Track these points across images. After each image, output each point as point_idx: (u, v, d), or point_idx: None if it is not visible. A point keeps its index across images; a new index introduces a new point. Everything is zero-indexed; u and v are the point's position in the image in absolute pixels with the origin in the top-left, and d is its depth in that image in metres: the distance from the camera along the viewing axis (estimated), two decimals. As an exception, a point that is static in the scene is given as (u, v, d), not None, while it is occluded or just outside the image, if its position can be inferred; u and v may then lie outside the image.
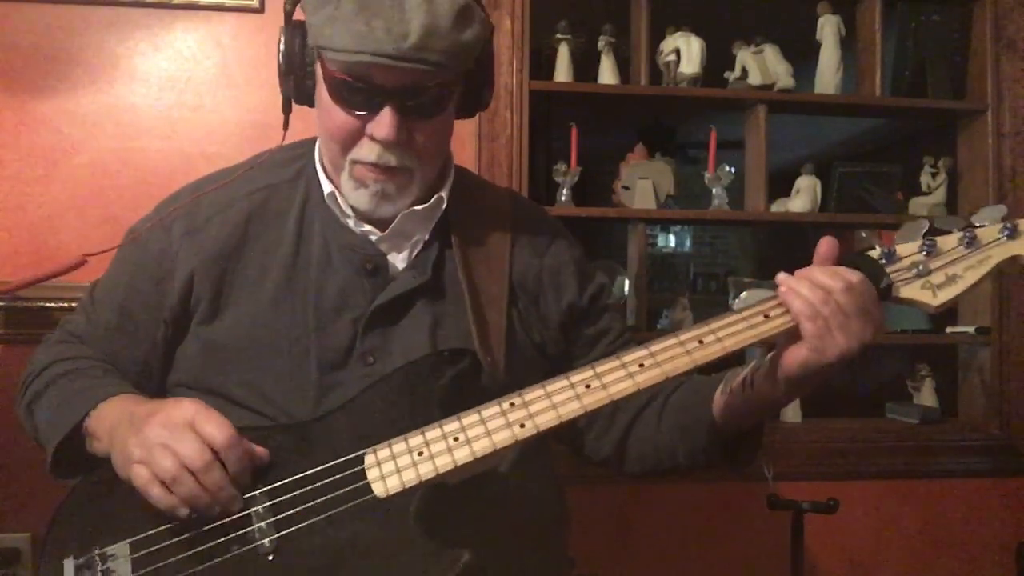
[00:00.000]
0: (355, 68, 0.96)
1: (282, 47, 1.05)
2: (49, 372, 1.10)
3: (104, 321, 1.13)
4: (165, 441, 0.89)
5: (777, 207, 2.28)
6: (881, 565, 2.17)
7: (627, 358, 0.95)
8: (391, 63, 0.94)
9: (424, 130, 1.02)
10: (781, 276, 0.95)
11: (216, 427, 0.90)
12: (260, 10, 1.93)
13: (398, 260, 1.10)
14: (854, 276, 0.93)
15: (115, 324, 1.12)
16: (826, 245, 0.97)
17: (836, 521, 1.84)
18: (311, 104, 1.08)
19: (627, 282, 2.28)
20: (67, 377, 1.07)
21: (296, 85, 1.06)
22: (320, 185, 1.11)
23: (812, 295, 0.91)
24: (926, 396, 2.29)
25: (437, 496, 0.93)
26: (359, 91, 0.98)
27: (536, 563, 1.10)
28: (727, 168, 2.24)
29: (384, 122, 0.98)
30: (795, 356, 0.93)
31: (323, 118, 1.04)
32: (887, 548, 2.17)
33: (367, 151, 1.01)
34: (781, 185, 2.36)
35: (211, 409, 0.93)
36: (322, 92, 1.03)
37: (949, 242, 0.99)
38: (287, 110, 1.11)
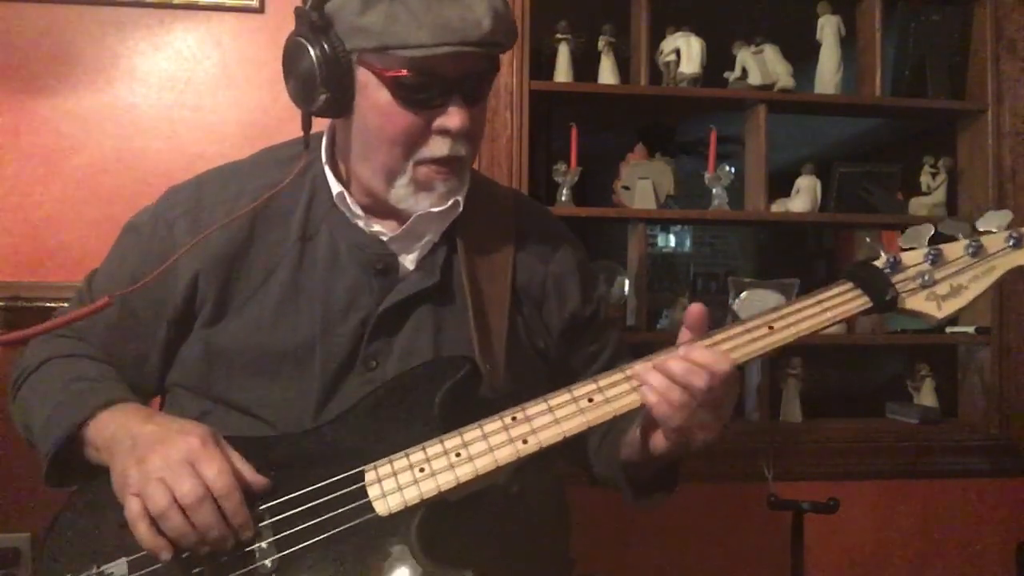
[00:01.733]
0: (427, 63, 0.95)
1: (316, 55, 0.98)
2: (45, 370, 1.07)
3: (104, 317, 1.09)
4: (163, 475, 0.87)
5: (777, 207, 2.28)
6: (881, 565, 2.17)
7: (631, 371, 0.94)
8: (473, 50, 0.94)
9: (476, 116, 1.03)
10: (638, 368, 0.93)
11: (216, 473, 0.88)
12: (260, 10, 1.93)
13: (407, 260, 1.09)
14: (720, 366, 0.89)
15: (116, 321, 1.09)
16: (694, 314, 0.94)
17: (836, 521, 1.84)
18: (339, 116, 1.04)
19: (627, 282, 2.27)
20: (65, 378, 1.05)
21: (333, 97, 1.00)
22: (327, 185, 1.09)
23: (670, 393, 0.90)
24: (926, 396, 2.29)
25: (439, 513, 0.92)
26: (426, 87, 0.97)
27: (537, 566, 1.09)
28: (727, 168, 2.24)
29: (457, 112, 0.99)
30: (658, 441, 0.95)
31: (378, 124, 1.00)
32: (887, 548, 2.17)
33: (438, 147, 1.00)
34: (781, 185, 2.35)
35: (213, 447, 0.90)
36: (374, 97, 0.99)
37: (954, 251, 0.98)
38: (308, 127, 1.06)
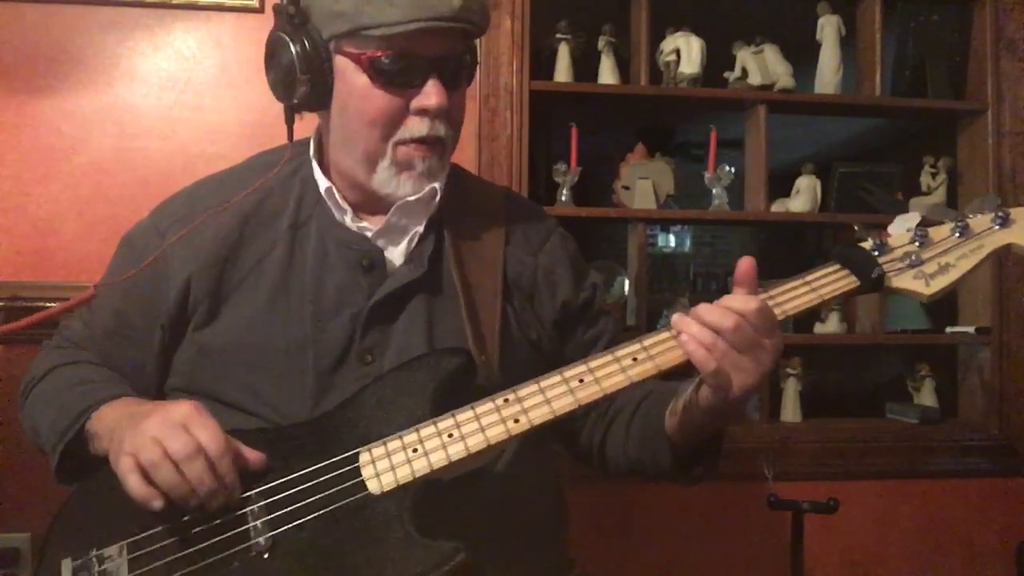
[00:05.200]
0: (402, 40, 0.97)
1: (296, 48, 1.00)
2: (50, 378, 1.10)
3: (101, 326, 1.13)
4: (156, 434, 0.89)
5: (777, 207, 2.28)
6: (881, 565, 2.17)
7: (620, 352, 0.95)
8: (446, 25, 0.96)
9: (455, 99, 1.05)
10: (675, 318, 0.94)
11: (209, 436, 0.90)
12: (260, 10, 1.93)
13: (395, 255, 1.10)
14: (749, 305, 0.91)
15: (112, 329, 1.12)
16: (743, 266, 0.95)
17: (836, 521, 1.84)
18: (319, 107, 1.07)
19: (627, 282, 2.28)
20: (68, 382, 1.07)
21: (313, 87, 1.02)
22: (315, 183, 1.11)
23: (702, 336, 0.91)
24: (926, 396, 2.29)
25: (432, 493, 0.93)
26: (403, 67, 0.99)
27: (536, 563, 1.10)
28: (727, 168, 2.24)
29: (434, 91, 1.01)
30: (704, 392, 0.94)
31: (357, 108, 1.03)
32: (887, 548, 2.17)
33: (416, 127, 1.02)
34: (781, 185, 2.35)
35: (207, 414, 0.93)
36: (352, 81, 1.02)
37: (941, 232, 0.99)
38: (291, 120, 1.08)
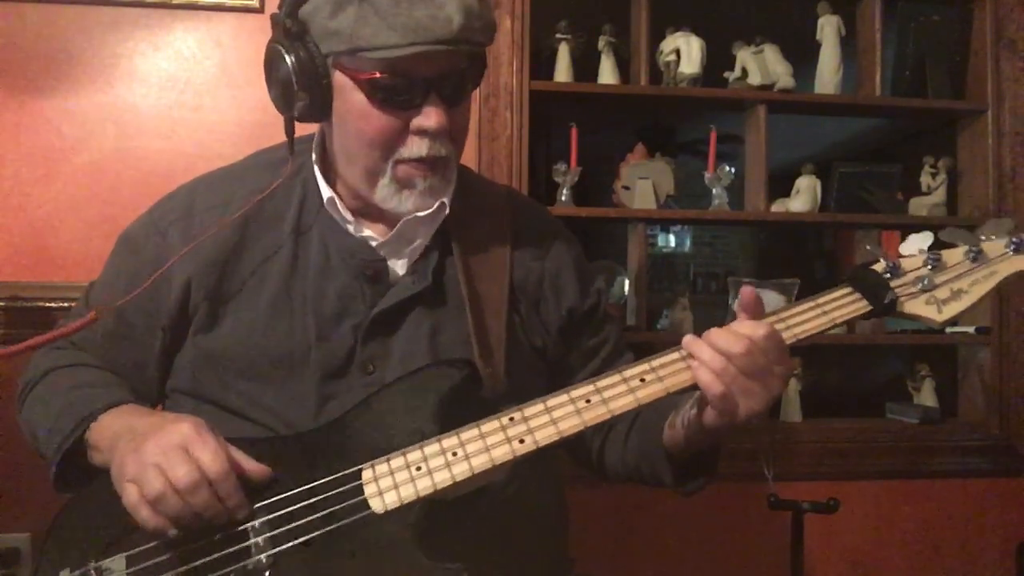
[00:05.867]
0: (399, 63, 0.94)
1: (292, 61, 0.97)
2: (48, 381, 1.08)
3: (102, 327, 1.10)
4: (158, 461, 0.87)
5: (777, 207, 2.28)
6: (881, 565, 2.17)
7: (628, 373, 0.95)
8: (445, 49, 0.93)
9: (456, 115, 1.02)
10: (686, 340, 0.94)
11: (211, 457, 0.88)
12: (260, 10, 1.93)
13: (398, 265, 1.08)
14: (758, 331, 0.91)
15: (112, 330, 1.10)
16: (746, 296, 0.95)
17: (836, 521, 1.84)
18: (320, 119, 1.05)
19: (627, 282, 2.27)
20: (66, 387, 1.06)
21: (311, 101, 1.00)
22: (318, 188, 1.09)
23: (713, 363, 0.90)
24: (926, 396, 2.29)
25: (435, 511, 0.92)
26: (401, 87, 0.97)
27: (536, 564, 1.10)
28: (727, 168, 2.24)
29: (433, 111, 0.98)
30: (708, 413, 0.93)
31: (356, 127, 1.00)
32: (887, 548, 2.17)
33: (416, 147, 1.00)
34: (781, 185, 2.35)
35: (207, 433, 0.91)
36: (351, 99, 0.99)
37: (955, 256, 0.98)
38: (291, 132, 1.06)
